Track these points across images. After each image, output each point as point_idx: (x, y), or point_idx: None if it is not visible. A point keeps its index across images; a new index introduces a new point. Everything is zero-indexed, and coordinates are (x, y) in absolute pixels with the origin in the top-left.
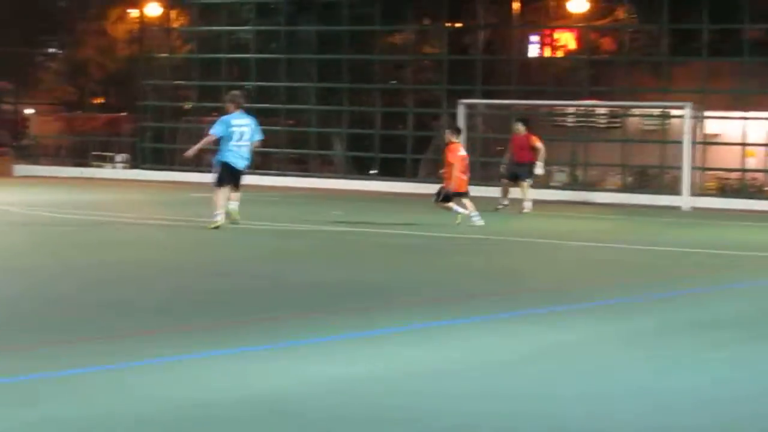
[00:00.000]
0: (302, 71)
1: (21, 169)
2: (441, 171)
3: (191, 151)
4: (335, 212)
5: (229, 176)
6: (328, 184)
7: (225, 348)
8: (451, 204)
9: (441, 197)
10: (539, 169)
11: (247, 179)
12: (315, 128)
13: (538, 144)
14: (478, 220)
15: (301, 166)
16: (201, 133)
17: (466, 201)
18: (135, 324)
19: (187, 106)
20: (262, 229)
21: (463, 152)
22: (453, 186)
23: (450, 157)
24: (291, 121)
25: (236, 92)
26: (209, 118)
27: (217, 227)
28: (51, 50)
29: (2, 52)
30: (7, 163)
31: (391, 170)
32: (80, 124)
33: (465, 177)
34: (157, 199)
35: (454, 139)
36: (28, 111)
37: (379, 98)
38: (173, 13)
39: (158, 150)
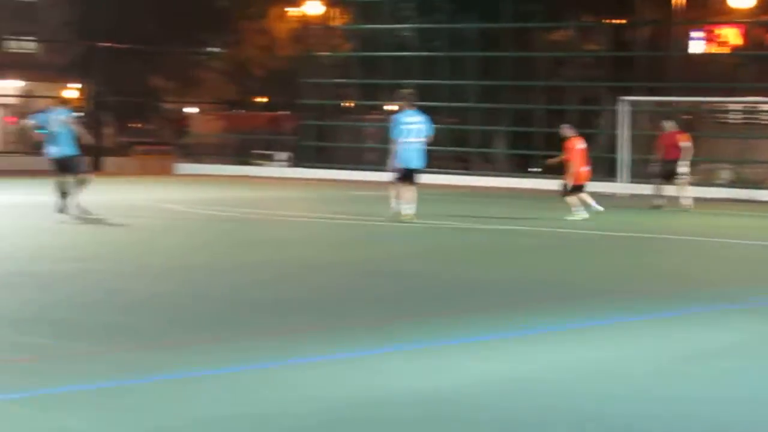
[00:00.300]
0: (464, 68)
1: (182, 167)
2: (549, 161)
3: (392, 167)
4: (495, 210)
5: (403, 174)
6: (490, 182)
7: (380, 346)
8: (575, 197)
9: (564, 191)
10: (683, 168)
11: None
12: (476, 126)
13: (686, 143)
14: (581, 213)
15: (462, 164)
16: (362, 131)
17: (584, 195)
18: (290, 322)
19: (348, 104)
20: (420, 227)
21: (581, 145)
22: (572, 179)
23: (569, 151)
24: (452, 119)
25: (407, 90)
26: (370, 116)
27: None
28: (213, 49)
29: (165, 52)
30: (170, 161)
31: (552, 168)
32: (241, 123)
33: (585, 170)
34: (318, 196)
35: (571, 134)
36: (190, 110)
37: (541, 95)
38: (334, 12)
39: (319, 148)
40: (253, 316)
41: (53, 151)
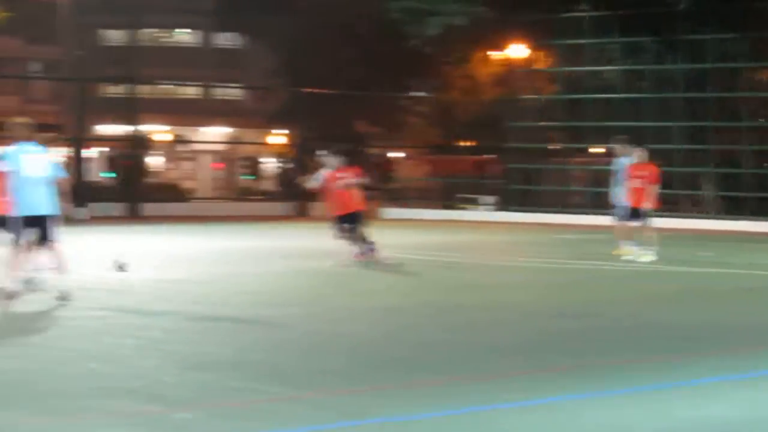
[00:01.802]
0: (669, 109)
1: (388, 211)
2: None
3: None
4: (703, 253)
5: (625, 213)
6: (698, 224)
7: (591, 390)
8: None
9: None
10: None
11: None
12: (683, 168)
13: None
14: None
15: (669, 206)
16: (568, 174)
17: None
18: (501, 365)
19: (553, 147)
20: (626, 270)
21: None
22: None
23: None
24: (658, 161)
25: (623, 136)
26: (576, 159)
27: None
28: (418, 94)
29: (370, 97)
30: (375, 205)
31: (764, 210)
32: (446, 167)
33: None
34: (525, 240)
35: None
36: (394, 154)
37: (747, 136)
38: (538, 54)
39: (525, 191)
40: (455, 360)
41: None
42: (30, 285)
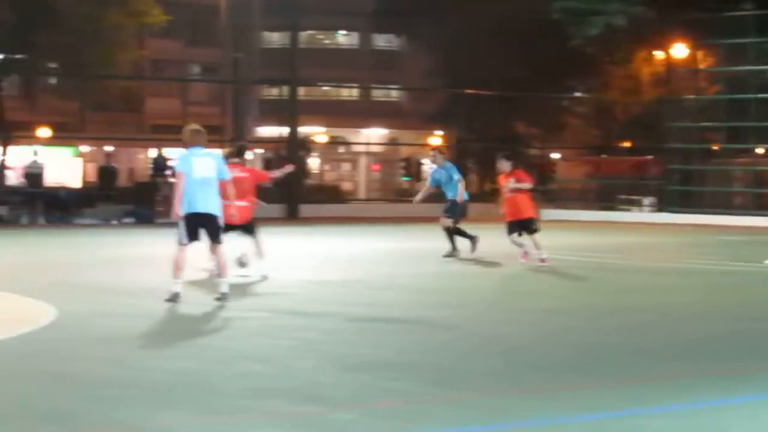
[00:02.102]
0: None
1: (548, 212)
2: None
3: None
4: None
5: None
6: None
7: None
8: None
9: None
10: None
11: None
12: None
13: None
14: None
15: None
16: (730, 175)
17: None
18: (660, 369)
19: (715, 147)
20: None
21: None
22: None
23: None
24: None
25: None
26: (738, 160)
27: None
28: (577, 94)
29: (529, 97)
30: (535, 206)
31: None
32: (606, 168)
33: None
34: (687, 241)
35: None
36: (553, 155)
37: None
38: (699, 54)
39: (685, 192)
40: (614, 363)
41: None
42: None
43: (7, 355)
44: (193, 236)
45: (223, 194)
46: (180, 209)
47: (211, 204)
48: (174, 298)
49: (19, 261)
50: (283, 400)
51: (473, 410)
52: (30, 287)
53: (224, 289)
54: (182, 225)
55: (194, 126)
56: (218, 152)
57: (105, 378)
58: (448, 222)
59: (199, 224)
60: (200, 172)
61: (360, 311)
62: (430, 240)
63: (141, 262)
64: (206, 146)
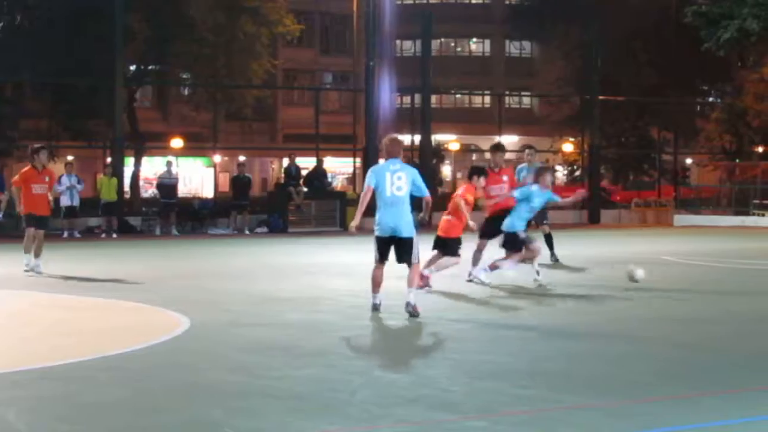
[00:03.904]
0: None
1: (681, 218)
2: None
3: None
4: None
5: None
6: None
7: None
8: None
9: None
10: None
11: None
12: None
13: None
14: None
15: None
16: None
17: None
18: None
19: None
20: None
21: None
22: None
23: None
24: None
25: None
26: None
27: None
28: (710, 99)
29: (663, 102)
30: (669, 212)
31: None
32: (740, 173)
33: None
34: None
35: None
36: (688, 160)
37: None
38: None
39: None
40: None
41: None
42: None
43: (142, 366)
44: (384, 256)
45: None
46: (359, 222)
47: (401, 225)
48: (375, 308)
49: (151, 272)
50: (417, 407)
51: (609, 417)
52: (162, 298)
53: (411, 299)
54: (374, 245)
55: (392, 136)
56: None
57: (240, 387)
58: (547, 228)
59: (391, 245)
60: (391, 189)
61: (489, 318)
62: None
63: (274, 272)
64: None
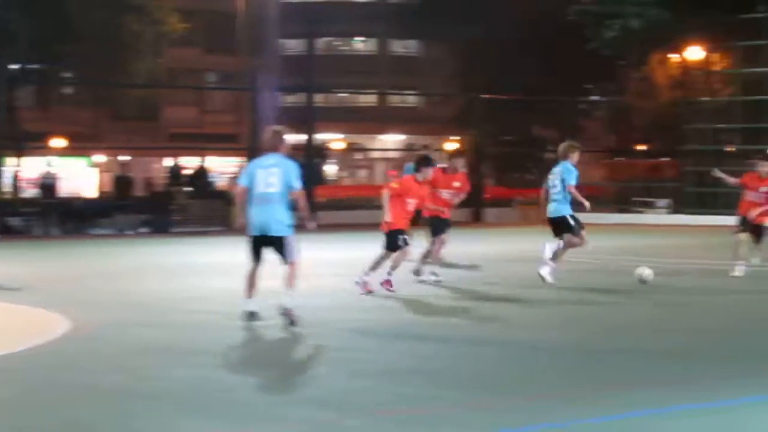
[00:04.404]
0: None
1: None
2: None
3: None
4: None
5: None
6: None
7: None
8: None
9: None
10: None
11: None
12: None
13: None
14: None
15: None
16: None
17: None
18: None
19: (730, 149)
20: None
21: None
22: None
23: None
24: None
25: None
26: (754, 161)
27: None
28: (594, 98)
29: (547, 101)
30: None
31: None
32: (622, 171)
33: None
34: (700, 243)
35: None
36: None
37: None
38: (715, 56)
39: (701, 194)
40: (617, 367)
41: None
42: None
43: (23, 367)
44: (257, 257)
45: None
46: (243, 221)
47: (272, 223)
48: (250, 316)
49: (33, 272)
50: (298, 407)
51: (483, 415)
52: (44, 299)
53: (286, 302)
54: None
55: (275, 127)
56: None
57: (122, 388)
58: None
59: (264, 245)
60: (262, 186)
61: (379, 318)
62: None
63: (157, 272)
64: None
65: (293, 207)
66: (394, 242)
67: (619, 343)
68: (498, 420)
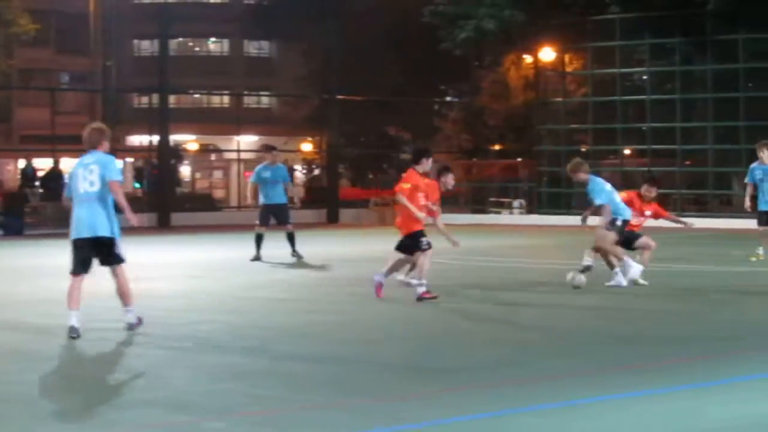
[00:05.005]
0: (699, 110)
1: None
2: None
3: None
4: (736, 252)
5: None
6: (729, 223)
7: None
8: None
9: None
10: None
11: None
12: (713, 168)
13: None
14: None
15: (699, 206)
16: (600, 176)
17: None
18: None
19: (583, 149)
20: (668, 271)
21: None
22: None
23: None
24: (688, 162)
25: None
26: (606, 161)
27: None
28: (449, 98)
29: (402, 102)
30: None
31: None
32: (477, 171)
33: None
34: (554, 243)
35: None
36: None
37: None
38: (567, 57)
39: (555, 194)
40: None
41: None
42: None
43: None
44: (83, 264)
45: None
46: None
47: (97, 224)
48: (72, 332)
49: None
50: (154, 410)
51: (335, 416)
52: None
53: (131, 319)
54: (71, 252)
55: (94, 124)
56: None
57: None
58: (290, 227)
59: (91, 249)
60: (83, 186)
61: (234, 320)
62: (306, 246)
63: (10, 275)
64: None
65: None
66: (417, 244)
67: (456, 347)
68: (345, 421)
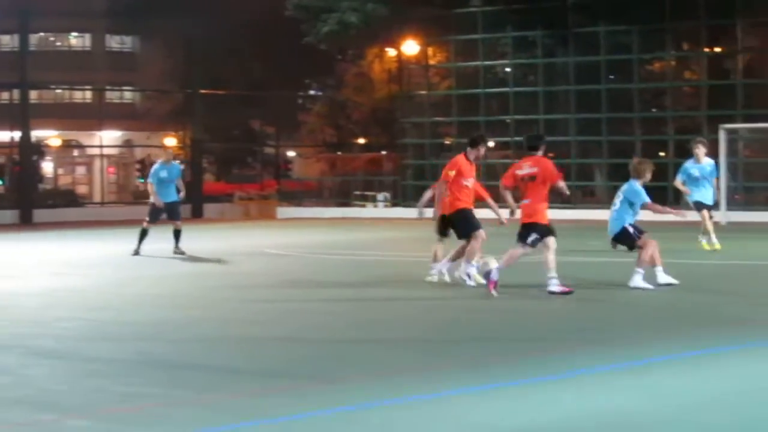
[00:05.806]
0: (562, 102)
1: (284, 211)
2: None
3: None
4: (594, 243)
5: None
6: (591, 214)
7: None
8: None
9: None
10: None
11: None
12: (575, 159)
13: None
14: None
15: (562, 198)
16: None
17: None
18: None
19: (448, 142)
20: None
21: None
22: None
23: None
24: (551, 153)
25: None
26: None
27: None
28: (313, 92)
29: (265, 96)
30: (272, 206)
31: (653, 199)
32: (341, 165)
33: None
34: (417, 236)
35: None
36: (291, 153)
37: (639, 126)
38: (430, 50)
39: (419, 187)
40: (366, 356)
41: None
42: None
43: None
44: None
45: None
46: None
47: None
48: None
49: None
50: (18, 409)
51: (211, 410)
52: None
53: None
54: None
55: None
56: None
57: None
58: (179, 223)
59: None
60: None
61: (97, 316)
62: (164, 241)
63: None
64: None
65: None
66: (524, 237)
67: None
68: (211, 415)
